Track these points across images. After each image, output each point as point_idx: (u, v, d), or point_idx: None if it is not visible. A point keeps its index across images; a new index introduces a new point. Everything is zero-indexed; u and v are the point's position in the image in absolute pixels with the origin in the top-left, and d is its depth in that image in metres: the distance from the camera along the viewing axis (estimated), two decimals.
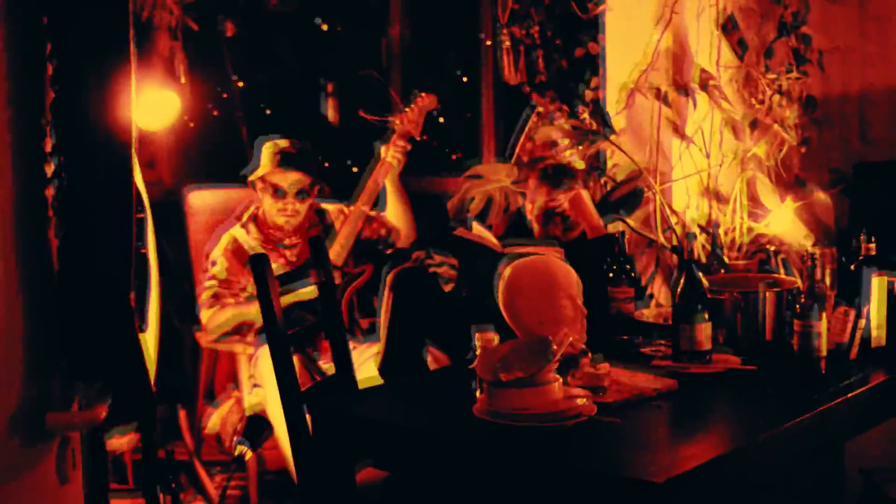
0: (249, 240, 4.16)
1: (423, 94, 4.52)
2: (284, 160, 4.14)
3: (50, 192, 1.47)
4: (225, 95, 6.05)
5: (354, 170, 6.11)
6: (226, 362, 4.48)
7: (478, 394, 2.50)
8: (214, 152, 5.88)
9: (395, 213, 4.40)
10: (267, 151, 4.19)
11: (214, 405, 4.36)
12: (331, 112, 6.80)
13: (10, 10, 1.49)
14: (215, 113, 6.04)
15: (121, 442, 4.39)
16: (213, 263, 4.14)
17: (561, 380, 2.42)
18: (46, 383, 1.47)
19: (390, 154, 4.36)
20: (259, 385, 3.94)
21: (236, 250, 4.15)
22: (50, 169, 1.49)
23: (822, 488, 3.53)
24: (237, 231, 4.20)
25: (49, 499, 1.50)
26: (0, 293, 1.39)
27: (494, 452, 2.31)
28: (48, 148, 1.50)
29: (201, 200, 4.60)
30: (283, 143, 4.22)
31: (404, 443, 2.52)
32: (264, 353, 3.49)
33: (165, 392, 4.47)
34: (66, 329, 1.45)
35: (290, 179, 4.15)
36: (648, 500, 2.04)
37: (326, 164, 6.16)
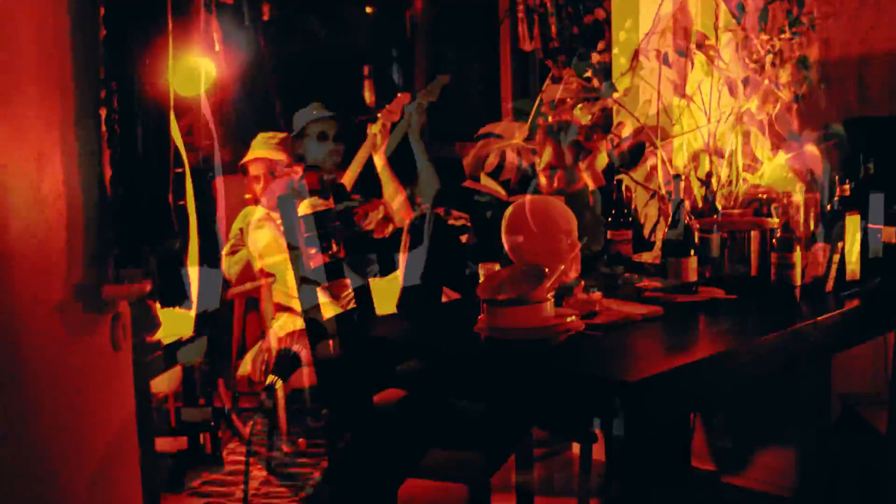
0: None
1: (399, 94, 5.19)
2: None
3: (103, 123, 1.77)
4: (257, 69, 6.35)
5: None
6: (254, 322, 4.84)
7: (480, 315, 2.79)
8: (248, 122, 6.20)
9: (387, 187, 4.84)
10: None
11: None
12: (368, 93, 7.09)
13: None
14: (249, 85, 6.34)
15: (163, 387, 4.74)
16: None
17: (552, 300, 2.70)
18: (103, 267, 1.78)
19: (374, 129, 4.91)
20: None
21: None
22: (104, 112, 1.80)
23: (812, 412, 3.80)
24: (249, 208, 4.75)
25: (105, 361, 1.82)
26: (68, 197, 1.71)
27: (491, 363, 2.60)
28: (102, 94, 1.81)
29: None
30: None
31: (415, 358, 2.81)
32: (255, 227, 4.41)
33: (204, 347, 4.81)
34: (117, 226, 1.77)
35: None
36: (623, 398, 2.31)
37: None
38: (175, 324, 3.77)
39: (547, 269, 2.70)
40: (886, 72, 4.94)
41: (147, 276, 1.79)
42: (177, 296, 2.00)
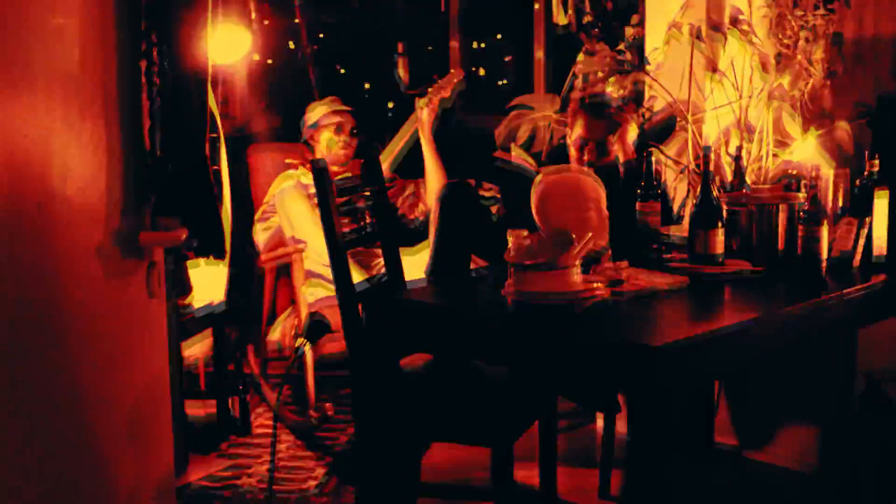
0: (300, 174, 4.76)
1: (452, 71, 5.18)
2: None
3: (143, 75, 1.82)
4: (293, 39, 6.40)
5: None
6: (285, 288, 4.89)
7: (507, 280, 2.82)
8: (283, 92, 6.26)
9: (429, 164, 4.86)
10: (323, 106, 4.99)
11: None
12: (401, 69, 7.13)
13: None
14: (284, 57, 6.40)
15: (194, 352, 4.82)
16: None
17: (580, 267, 2.73)
18: (140, 215, 1.83)
19: (422, 104, 4.91)
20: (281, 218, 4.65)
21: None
22: (143, 64, 1.85)
23: (835, 388, 3.82)
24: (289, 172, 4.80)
25: (141, 307, 1.87)
26: (109, 144, 1.76)
27: (516, 327, 2.63)
28: (143, 46, 1.86)
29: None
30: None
31: (442, 323, 2.85)
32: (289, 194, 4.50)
33: (235, 313, 4.88)
34: (154, 175, 1.82)
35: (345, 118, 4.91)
36: (645, 364, 2.34)
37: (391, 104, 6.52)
38: (206, 287, 3.84)
39: (573, 236, 2.73)
40: None
41: (183, 224, 1.84)
42: (212, 245, 2.04)
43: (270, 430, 4.54)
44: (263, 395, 4.88)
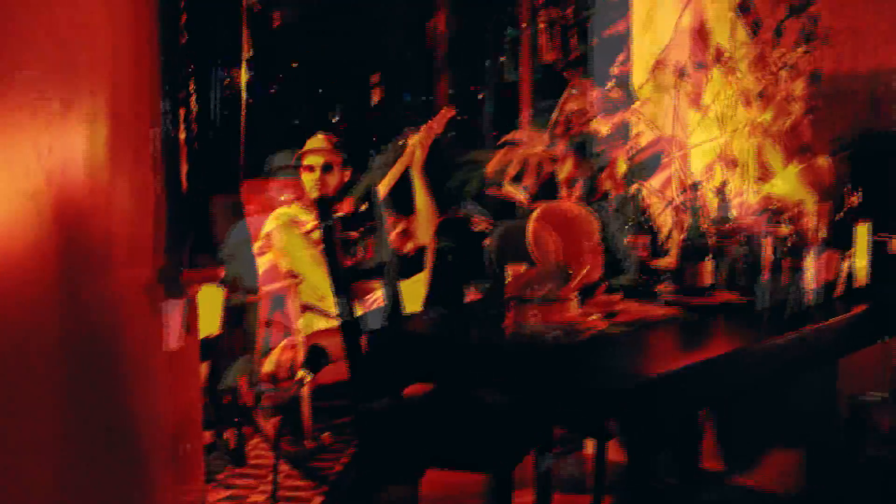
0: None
1: (444, 109, 5.36)
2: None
3: (182, 122, 1.95)
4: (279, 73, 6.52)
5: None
6: (279, 322, 4.98)
7: (507, 313, 2.93)
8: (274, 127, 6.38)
9: (420, 201, 4.98)
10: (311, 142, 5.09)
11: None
12: (377, 95, 7.25)
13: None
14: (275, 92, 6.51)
15: None
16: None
17: (577, 299, 2.85)
18: (180, 254, 1.95)
19: (413, 141, 5.07)
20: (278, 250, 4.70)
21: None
22: (182, 112, 1.98)
23: (820, 413, 3.94)
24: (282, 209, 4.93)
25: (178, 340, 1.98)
26: (155, 188, 1.89)
27: (517, 357, 2.74)
28: (181, 95, 1.98)
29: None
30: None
31: (445, 353, 2.96)
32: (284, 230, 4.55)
33: (230, 345, 4.97)
34: (192, 216, 1.94)
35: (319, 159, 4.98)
36: (643, 393, 2.45)
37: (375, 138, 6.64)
38: (203, 320, 3.93)
39: (571, 271, 2.85)
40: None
41: (218, 263, 1.94)
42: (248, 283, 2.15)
43: (266, 461, 4.61)
44: (258, 426, 4.95)
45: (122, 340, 1.83)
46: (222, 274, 1.94)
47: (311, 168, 5.02)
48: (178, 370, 1.99)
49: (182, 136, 1.89)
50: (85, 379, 1.71)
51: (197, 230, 1.94)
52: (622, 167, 4.10)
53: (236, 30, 2.02)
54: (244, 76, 2.03)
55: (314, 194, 4.99)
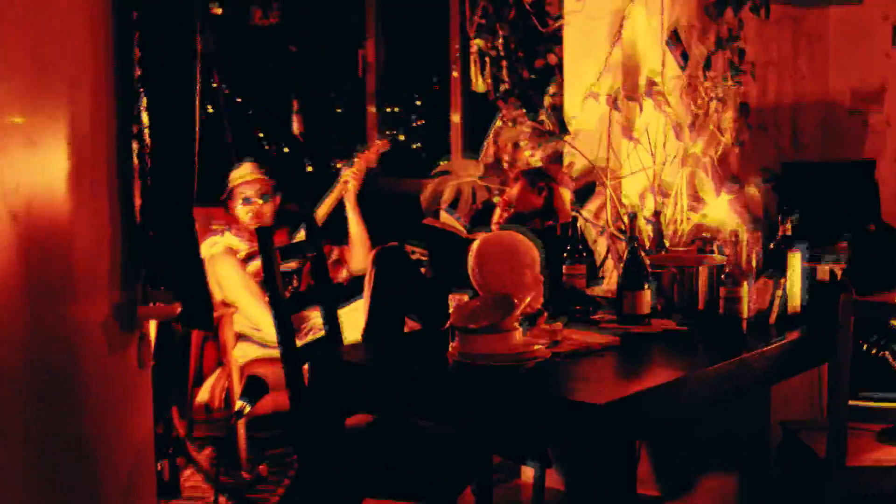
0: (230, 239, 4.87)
1: (378, 141, 5.48)
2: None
3: (135, 156, 1.94)
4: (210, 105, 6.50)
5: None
6: (211, 350, 4.94)
7: (451, 342, 2.94)
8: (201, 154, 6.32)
9: (354, 231, 5.02)
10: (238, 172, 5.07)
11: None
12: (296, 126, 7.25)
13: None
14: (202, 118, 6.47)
15: None
16: None
17: (521, 329, 2.88)
18: (135, 289, 1.93)
19: (346, 175, 5.10)
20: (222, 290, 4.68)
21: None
22: (136, 146, 1.97)
23: (752, 438, 4.02)
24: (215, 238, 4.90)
25: (132, 377, 1.96)
26: (111, 221, 1.88)
27: (464, 387, 2.76)
28: (135, 129, 1.98)
29: None
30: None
31: (389, 384, 2.96)
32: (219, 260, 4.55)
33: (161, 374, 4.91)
34: (146, 249, 1.93)
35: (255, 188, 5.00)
36: (592, 420, 2.49)
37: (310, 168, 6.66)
38: None
39: (515, 300, 2.88)
40: (818, 119, 5.25)
41: (174, 298, 1.93)
42: (201, 318, 2.14)
43: (200, 493, 4.56)
44: (191, 457, 4.89)
45: (81, 376, 1.81)
46: (178, 310, 1.92)
47: (249, 200, 5.00)
48: (133, 408, 1.97)
49: (136, 169, 1.88)
50: (45, 413, 1.69)
51: (152, 264, 1.93)
52: (568, 195, 4.16)
53: (189, 62, 2.03)
54: (198, 108, 2.03)
55: (252, 225, 4.97)
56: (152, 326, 3.50)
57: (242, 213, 5.00)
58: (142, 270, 1.92)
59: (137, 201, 1.91)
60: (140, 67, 1.86)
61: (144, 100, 1.91)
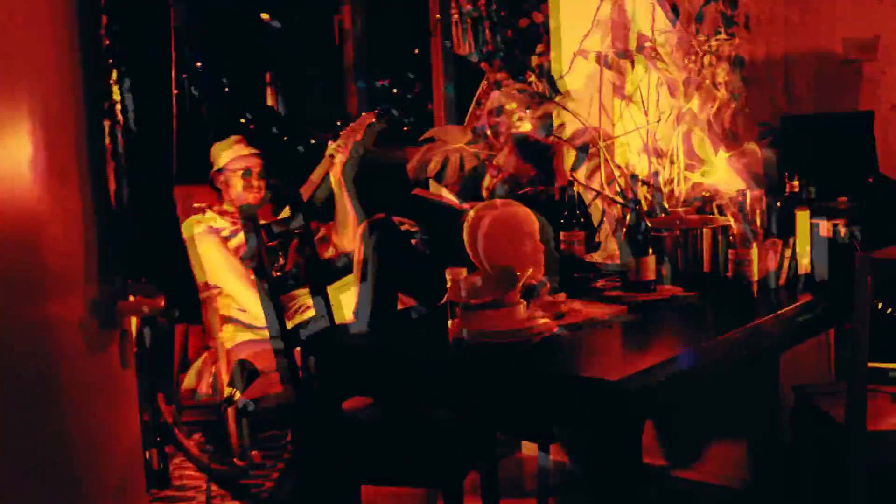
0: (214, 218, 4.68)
1: (364, 113, 5.19)
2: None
3: (107, 136, 1.77)
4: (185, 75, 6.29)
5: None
6: (197, 334, 4.78)
7: (450, 321, 2.79)
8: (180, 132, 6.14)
9: (340, 207, 4.84)
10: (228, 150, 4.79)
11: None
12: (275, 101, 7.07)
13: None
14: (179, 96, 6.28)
15: None
16: None
17: (525, 303, 2.73)
18: (114, 283, 1.77)
19: (332, 149, 4.92)
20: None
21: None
22: (107, 124, 1.80)
23: (762, 404, 3.89)
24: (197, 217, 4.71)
25: (114, 377, 1.80)
26: (84, 212, 1.71)
27: (469, 366, 2.61)
28: (105, 106, 1.81)
29: None
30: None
31: (387, 366, 2.81)
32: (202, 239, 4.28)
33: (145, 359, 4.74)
34: (125, 240, 1.76)
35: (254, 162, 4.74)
36: (606, 397, 2.35)
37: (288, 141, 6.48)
38: None
39: (517, 273, 2.73)
40: (811, 71, 5.10)
41: (157, 290, 1.77)
42: (188, 311, 1.98)
43: (190, 482, 4.43)
44: (180, 444, 4.74)
45: (57, 380, 1.65)
46: (162, 303, 1.76)
47: (248, 173, 4.79)
48: (117, 409, 1.82)
49: (108, 150, 1.71)
50: (18, 423, 1.53)
51: (134, 255, 1.77)
52: (571, 158, 4.00)
53: (162, 32, 1.86)
54: (174, 80, 1.86)
55: (249, 198, 4.78)
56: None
57: (240, 187, 4.78)
58: (121, 261, 1.76)
59: (112, 185, 1.74)
60: (108, 37, 1.69)
61: (114, 72, 1.73)
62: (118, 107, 1.72)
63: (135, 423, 1.89)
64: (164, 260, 1.80)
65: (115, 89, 1.73)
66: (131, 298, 1.78)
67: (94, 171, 1.72)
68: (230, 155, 4.73)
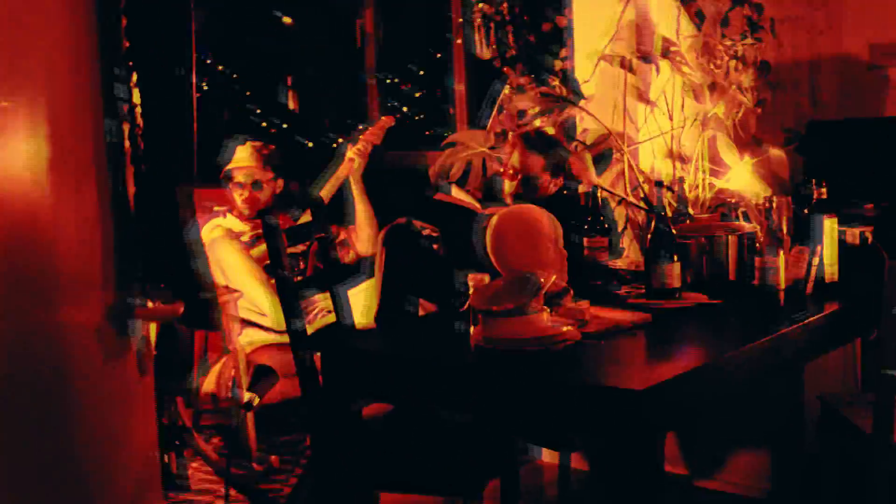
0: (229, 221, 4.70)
1: (383, 118, 5.23)
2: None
3: (126, 139, 1.74)
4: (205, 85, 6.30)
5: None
6: (216, 338, 4.75)
7: (471, 328, 2.75)
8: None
9: (360, 211, 4.83)
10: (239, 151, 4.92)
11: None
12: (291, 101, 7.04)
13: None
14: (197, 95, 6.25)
15: None
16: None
17: (548, 310, 2.69)
18: (132, 289, 1.74)
19: (351, 153, 4.95)
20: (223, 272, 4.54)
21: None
22: (126, 128, 1.77)
23: (785, 413, 3.84)
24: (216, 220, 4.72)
25: (133, 385, 1.77)
26: (102, 216, 1.68)
27: (490, 375, 2.57)
28: (125, 108, 1.78)
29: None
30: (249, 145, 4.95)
31: (405, 372, 2.78)
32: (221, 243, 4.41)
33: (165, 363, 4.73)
34: (143, 245, 1.73)
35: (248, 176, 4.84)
36: (630, 407, 2.30)
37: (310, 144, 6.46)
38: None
39: (540, 280, 2.69)
40: (837, 76, 5.03)
41: (174, 296, 1.74)
42: (204, 317, 1.95)
43: (208, 486, 4.40)
44: (199, 448, 4.72)
45: (72, 388, 1.62)
46: (181, 310, 1.73)
47: (240, 185, 4.83)
48: (134, 417, 1.78)
49: (128, 154, 1.68)
50: (32, 431, 1.51)
51: (150, 259, 1.73)
52: (590, 161, 3.95)
53: (183, 34, 1.83)
54: (195, 83, 1.83)
55: (245, 212, 4.82)
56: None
57: (237, 198, 4.84)
58: (138, 267, 1.72)
59: (131, 189, 1.71)
60: (128, 38, 1.66)
61: (134, 75, 1.70)
62: (138, 110, 1.69)
63: (152, 429, 1.86)
64: (183, 265, 1.76)
65: (136, 92, 1.70)
66: (150, 304, 1.75)
67: (112, 175, 1.69)
68: (236, 164, 4.79)
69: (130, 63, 1.71)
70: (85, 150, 1.66)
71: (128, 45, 1.68)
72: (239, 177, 4.82)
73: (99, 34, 1.68)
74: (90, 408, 1.65)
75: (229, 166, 4.85)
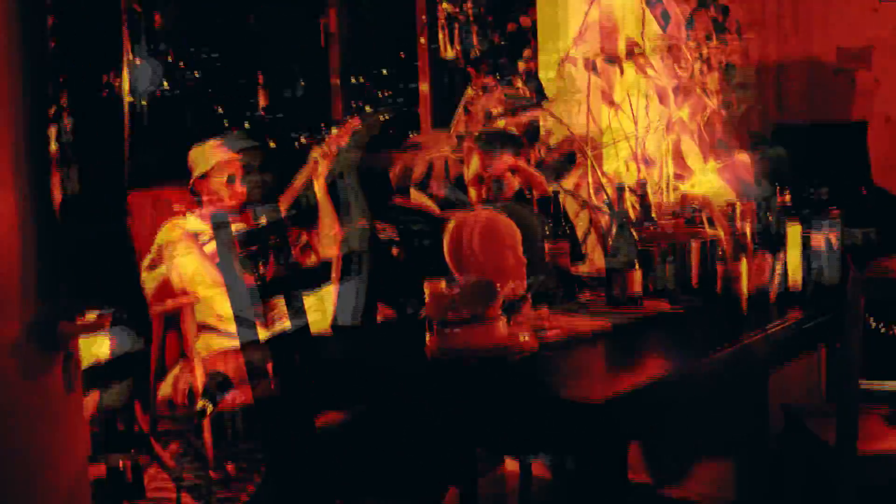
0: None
1: (350, 119, 5.02)
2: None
3: (53, 142, 1.65)
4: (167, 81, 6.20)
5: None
6: (174, 342, 4.65)
7: (427, 336, 2.67)
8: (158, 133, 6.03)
9: (324, 214, 4.74)
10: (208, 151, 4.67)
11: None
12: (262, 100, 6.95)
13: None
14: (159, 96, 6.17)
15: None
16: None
17: (505, 319, 2.62)
18: (55, 301, 1.65)
19: (316, 154, 4.75)
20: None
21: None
22: (53, 132, 1.67)
23: (750, 423, 3.79)
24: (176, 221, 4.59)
25: (58, 402, 1.68)
26: (21, 226, 1.59)
27: (446, 385, 2.50)
28: (51, 112, 1.69)
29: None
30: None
31: (361, 380, 2.71)
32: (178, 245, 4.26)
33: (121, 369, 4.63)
34: (69, 256, 1.64)
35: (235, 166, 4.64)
36: (590, 420, 2.24)
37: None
38: (90, 345, 3.60)
39: (497, 287, 2.62)
40: (804, 80, 5.00)
41: (104, 307, 1.66)
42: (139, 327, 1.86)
43: (164, 494, 4.31)
44: (156, 455, 4.62)
45: None
46: (108, 322, 1.64)
47: (232, 179, 4.69)
48: (62, 437, 1.70)
49: (54, 158, 1.59)
50: None
51: (77, 270, 1.64)
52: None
53: (115, 32, 1.74)
54: (126, 84, 1.74)
55: (233, 203, 4.67)
56: None
57: (225, 193, 4.68)
58: (65, 278, 1.64)
59: (57, 196, 1.63)
60: (54, 38, 1.57)
61: (61, 77, 1.61)
62: (66, 114, 1.61)
63: (82, 446, 1.77)
64: (117, 274, 1.68)
65: (64, 93, 1.61)
66: (77, 317, 1.66)
67: (37, 181, 1.60)
68: (211, 162, 4.62)
69: (59, 64, 1.62)
70: (6, 153, 1.57)
71: (54, 44, 1.58)
72: (222, 173, 4.67)
73: (23, 33, 1.59)
74: (8, 429, 1.56)
75: (212, 162, 4.69)
